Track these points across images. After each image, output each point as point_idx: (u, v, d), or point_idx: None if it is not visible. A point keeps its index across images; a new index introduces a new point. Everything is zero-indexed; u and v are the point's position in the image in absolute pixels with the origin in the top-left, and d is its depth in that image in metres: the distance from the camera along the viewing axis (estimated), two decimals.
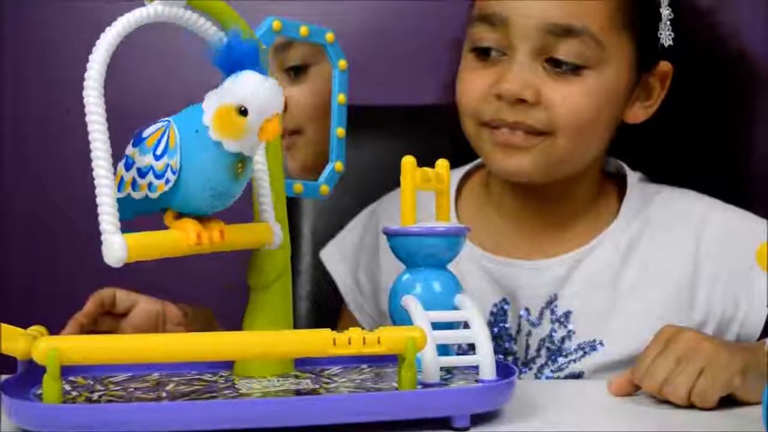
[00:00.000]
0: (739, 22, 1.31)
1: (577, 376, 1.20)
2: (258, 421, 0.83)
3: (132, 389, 0.92)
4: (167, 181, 0.85)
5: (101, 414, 0.82)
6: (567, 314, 1.21)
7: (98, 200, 0.83)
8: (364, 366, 1.02)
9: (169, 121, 0.87)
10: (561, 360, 1.21)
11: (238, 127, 0.84)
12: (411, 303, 0.97)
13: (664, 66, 1.22)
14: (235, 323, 1.00)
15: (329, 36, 1.05)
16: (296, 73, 1.38)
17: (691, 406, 0.98)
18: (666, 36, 1.21)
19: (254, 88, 0.84)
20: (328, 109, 1.08)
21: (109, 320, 1.13)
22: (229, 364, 0.99)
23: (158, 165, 0.86)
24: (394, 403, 0.87)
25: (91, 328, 1.10)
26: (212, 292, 1.58)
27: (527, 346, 1.22)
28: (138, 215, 0.89)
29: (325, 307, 1.48)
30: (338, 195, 1.16)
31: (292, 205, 1.46)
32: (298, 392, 0.91)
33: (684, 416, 0.97)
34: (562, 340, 1.21)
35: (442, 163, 1.04)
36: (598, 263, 1.22)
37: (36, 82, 1.81)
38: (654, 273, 1.21)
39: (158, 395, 0.90)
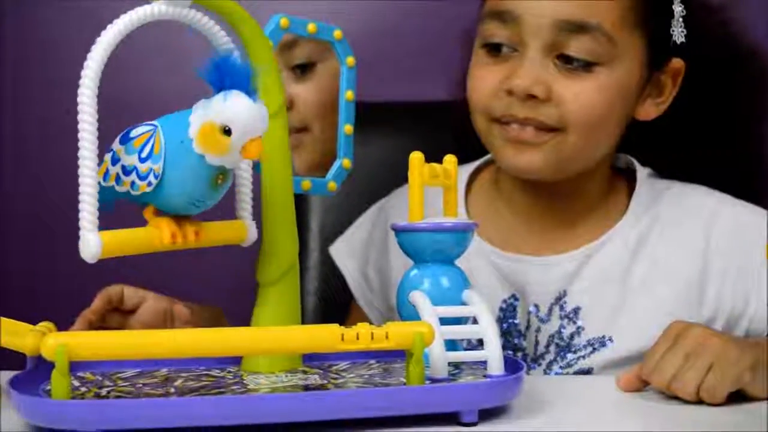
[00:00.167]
0: (751, 18, 1.31)
1: (586, 372, 1.21)
2: (266, 417, 0.84)
3: (140, 385, 0.93)
4: (149, 184, 0.88)
5: (110, 410, 0.83)
6: (576, 310, 1.22)
7: (80, 197, 0.86)
8: (372, 361, 1.02)
9: (156, 126, 0.89)
10: (570, 356, 1.22)
11: (222, 145, 0.86)
12: (419, 298, 0.98)
13: (676, 63, 1.22)
14: (243, 319, 1.00)
15: (337, 33, 1.06)
16: (302, 70, 1.38)
17: (699, 401, 0.98)
18: (678, 33, 1.22)
19: (240, 111, 0.86)
20: (335, 106, 1.09)
21: (118, 317, 1.14)
22: (237, 360, 0.99)
23: (142, 167, 0.88)
24: (402, 398, 0.88)
25: (100, 324, 1.12)
26: (220, 288, 1.59)
27: (536, 342, 1.23)
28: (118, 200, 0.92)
29: (333, 302, 1.49)
30: (346, 191, 1.17)
31: (300, 202, 1.47)
32: (306, 388, 0.92)
33: (693, 412, 0.97)
34: (571, 336, 1.22)
35: (449, 159, 1.05)
36: (607, 259, 1.23)
37: (36, 82, 1.82)
38: (663, 269, 1.22)
39: (167, 391, 0.90)
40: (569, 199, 1.25)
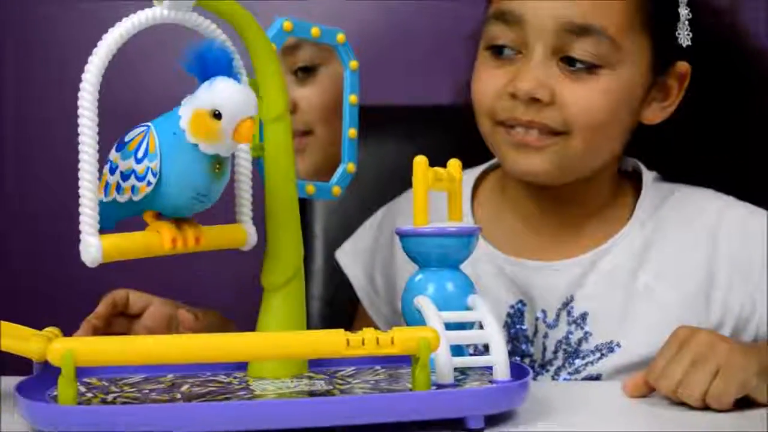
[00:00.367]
0: (757, 21, 1.32)
1: (595, 378, 1.22)
2: (272, 422, 0.85)
3: (146, 391, 0.94)
4: (149, 183, 0.89)
5: (116, 415, 0.84)
6: (584, 315, 1.23)
7: (80, 201, 0.87)
8: (377, 367, 1.03)
9: (148, 126, 0.91)
10: (578, 362, 1.22)
11: (213, 131, 0.88)
12: (424, 303, 0.98)
13: (682, 66, 1.23)
14: (248, 324, 1.02)
15: (340, 37, 1.06)
16: (305, 73, 1.40)
17: (706, 407, 0.99)
18: (684, 36, 1.22)
19: (227, 93, 0.88)
20: (338, 109, 1.09)
21: (123, 321, 1.15)
22: (243, 366, 1.00)
23: (139, 168, 0.90)
24: (407, 404, 0.89)
25: (105, 330, 1.13)
26: (226, 293, 1.60)
27: (544, 348, 1.23)
28: (121, 220, 0.94)
29: (337, 306, 1.50)
30: (350, 195, 1.17)
31: (304, 206, 1.48)
32: (312, 393, 0.93)
33: (699, 418, 0.97)
34: (579, 341, 1.22)
35: (454, 163, 1.06)
36: (613, 264, 1.23)
37: (38, 83, 1.83)
38: (670, 273, 1.22)
39: (173, 396, 0.92)
40: (576, 204, 1.26)
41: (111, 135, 0.92)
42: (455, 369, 0.95)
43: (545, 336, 1.24)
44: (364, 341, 0.89)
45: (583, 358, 1.22)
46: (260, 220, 1.00)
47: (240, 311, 1.14)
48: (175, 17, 0.91)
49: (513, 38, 1.18)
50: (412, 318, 1.02)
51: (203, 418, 0.85)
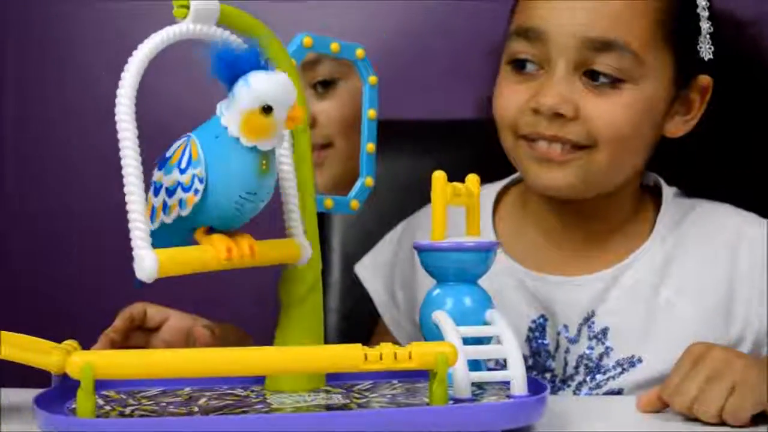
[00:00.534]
0: None
1: (617, 393, 1.22)
2: None
3: (164, 404, 0.95)
4: (196, 192, 0.89)
5: (134, 428, 0.86)
6: (605, 331, 1.24)
7: (129, 216, 0.86)
8: (395, 381, 1.04)
9: (189, 135, 0.91)
10: (599, 377, 1.23)
11: (267, 127, 0.89)
12: (442, 318, 0.99)
13: (704, 80, 1.24)
14: (266, 338, 1.03)
15: (359, 52, 1.07)
16: (324, 87, 1.41)
17: (722, 423, 0.99)
18: (706, 49, 1.23)
19: (269, 85, 0.89)
20: (357, 123, 1.10)
21: (141, 335, 1.17)
22: (260, 379, 1.01)
23: (185, 178, 0.89)
24: (425, 418, 0.89)
25: (123, 343, 1.14)
26: (244, 306, 1.61)
27: (565, 363, 1.25)
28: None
29: (355, 319, 1.51)
30: (368, 209, 1.17)
31: (322, 220, 1.49)
32: (329, 407, 0.94)
33: None
34: (600, 357, 1.23)
35: (472, 179, 1.07)
36: (635, 279, 1.25)
37: (38, 83, 1.85)
38: (691, 289, 1.23)
39: (190, 410, 0.93)
40: (598, 219, 1.27)
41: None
42: (473, 384, 0.95)
43: (566, 351, 1.25)
44: (382, 356, 0.90)
45: (605, 373, 1.23)
46: (279, 233, 1.00)
47: (258, 325, 1.15)
48: (201, 32, 0.92)
49: (535, 53, 1.20)
50: (430, 333, 1.03)
51: (220, 431, 0.86)
